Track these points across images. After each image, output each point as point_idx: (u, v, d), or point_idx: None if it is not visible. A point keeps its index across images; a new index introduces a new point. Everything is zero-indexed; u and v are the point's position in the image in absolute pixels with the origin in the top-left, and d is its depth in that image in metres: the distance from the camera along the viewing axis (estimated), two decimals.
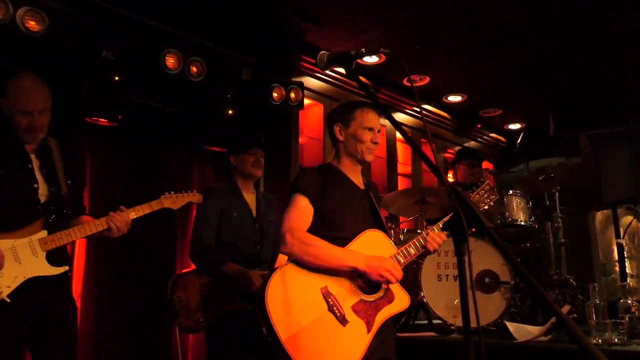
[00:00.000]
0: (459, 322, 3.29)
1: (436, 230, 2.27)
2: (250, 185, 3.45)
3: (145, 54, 3.84)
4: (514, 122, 7.24)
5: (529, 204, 4.08)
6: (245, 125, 4.58)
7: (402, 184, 6.23)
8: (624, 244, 8.15)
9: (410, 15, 4.43)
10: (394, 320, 2.42)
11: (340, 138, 2.37)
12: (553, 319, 2.96)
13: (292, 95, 4.58)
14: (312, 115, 5.42)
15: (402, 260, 2.21)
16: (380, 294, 2.16)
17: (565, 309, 3.51)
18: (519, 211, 3.98)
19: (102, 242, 3.71)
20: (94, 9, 3.74)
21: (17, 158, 2.35)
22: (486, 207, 2.50)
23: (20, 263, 2.17)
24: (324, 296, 2.09)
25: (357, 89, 5.42)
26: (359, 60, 5.32)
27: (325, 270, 2.12)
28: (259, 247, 3.33)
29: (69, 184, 2.43)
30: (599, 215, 7.61)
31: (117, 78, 3.74)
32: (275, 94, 4.48)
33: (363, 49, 1.51)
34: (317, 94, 5.25)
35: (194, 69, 4.00)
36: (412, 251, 2.23)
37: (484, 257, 3.53)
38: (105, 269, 3.89)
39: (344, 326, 2.07)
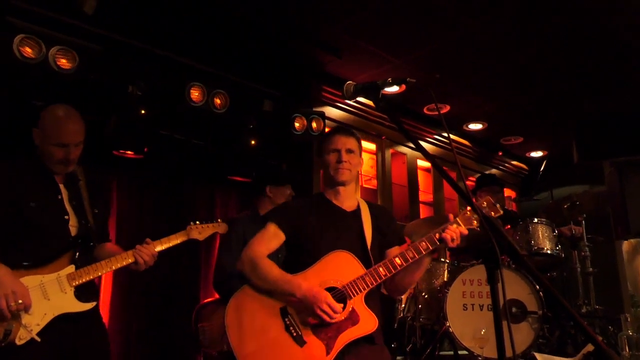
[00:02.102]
0: (486, 352, 3.22)
1: (455, 225, 2.18)
2: None
3: (171, 88, 3.94)
4: (535, 149, 7.18)
5: (554, 232, 4.02)
6: (268, 156, 4.63)
7: (424, 211, 6.20)
8: None
9: (432, 47, 4.48)
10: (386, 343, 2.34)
11: (320, 168, 2.49)
12: (585, 350, 2.87)
13: (314, 125, 4.63)
14: None
15: (410, 255, 2.13)
16: (344, 315, 2.09)
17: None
18: (544, 239, 3.92)
19: (128, 273, 3.74)
20: (121, 45, 3.87)
21: (48, 190, 2.30)
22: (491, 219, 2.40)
23: (49, 300, 2.12)
24: (281, 315, 2.08)
25: (376, 117, 5.46)
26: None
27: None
28: None
29: (95, 213, 2.40)
30: (626, 245, 7.43)
31: (143, 112, 3.82)
32: (297, 124, 4.53)
33: (390, 79, 1.53)
34: (338, 123, 5.29)
35: (218, 101, 4.08)
36: (424, 245, 2.13)
37: (511, 286, 3.47)
38: (131, 300, 3.92)
39: (301, 347, 2.03)
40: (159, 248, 2.37)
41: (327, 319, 2.04)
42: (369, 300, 2.13)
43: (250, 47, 4.46)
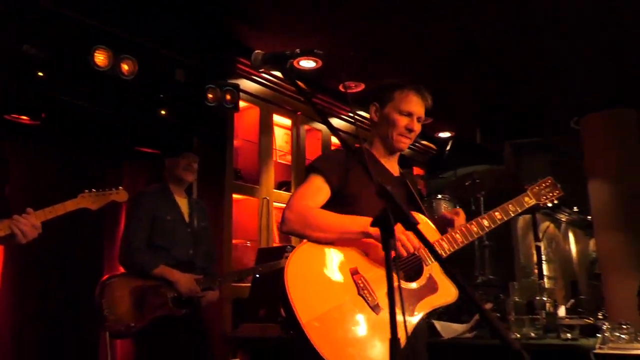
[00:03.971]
0: None
1: (527, 198, 2.15)
2: (182, 190, 3.41)
3: (73, 50, 3.69)
4: (443, 130, 7.52)
5: (456, 207, 4.26)
6: (179, 127, 4.50)
7: None
8: (542, 247, 8.67)
9: (351, 24, 4.52)
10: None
11: (375, 119, 2.16)
12: (476, 317, 3.10)
13: (228, 97, 4.54)
14: (248, 118, 5.40)
15: (447, 247, 1.97)
16: (422, 282, 1.88)
17: (487, 306, 3.68)
18: None
19: (23, 247, 3.52)
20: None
21: None
22: (549, 203, 2.27)
23: None
24: (353, 277, 1.80)
25: (293, 92, 5.45)
26: (296, 65, 5.36)
27: (355, 249, 1.85)
28: (192, 252, 3.29)
29: None
30: (521, 221, 8.05)
31: (40, 74, 3.56)
32: (210, 95, 4.43)
33: (298, 50, 1.54)
34: (253, 97, 5.24)
35: (125, 66, 3.88)
36: (459, 238, 1.98)
37: None
38: (24, 276, 3.70)
39: (377, 314, 1.76)
40: (42, 218, 2.19)
41: (403, 251, 1.81)
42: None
43: (163, 13, 4.27)
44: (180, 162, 3.32)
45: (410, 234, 1.79)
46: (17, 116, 3.60)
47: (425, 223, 2.01)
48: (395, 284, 1.57)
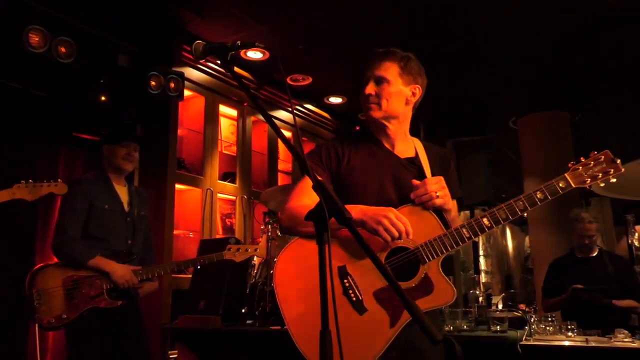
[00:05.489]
0: None
1: (563, 182, 1.82)
2: (122, 178, 3.31)
3: (5, 30, 3.50)
4: None
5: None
6: (121, 114, 4.36)
7: (282, 180, 6.32)
8: (480, 243, 8.99)
9: (296, 16, 4.52)
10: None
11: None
12: None
13: (172, 85, 4.44)
14: (192, 107, 5.31)
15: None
16: (415, 282, 1.74)
17: None
18: None
19: None
20: None
21: None
22: (601, 183, 1.84)
23: None
24: (339, 276, 1.73)
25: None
26: (243, 56, 5.30)
27: (347, 246, 1.75)
28: (130, 242, 3.21)
29: None
30: (461, 216, 8.30)
31: None
32: (153, 82, 4.32)
33: (239, 42, 1.51)
34: (198, 86, 5.15)
35: (63, 49, 3.72)
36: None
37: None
38: None
39: (360, 315, 1.71)
40: None
41: (387, 236, 1.67)
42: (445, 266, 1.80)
43: None
44: (120, 151, 3.21)
45: (396, 215, 1.70)
46: None
47: (427, 217, 1.81)
48: (386, 283, 1.61)
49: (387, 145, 1.97)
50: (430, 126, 6.19)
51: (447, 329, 2.99)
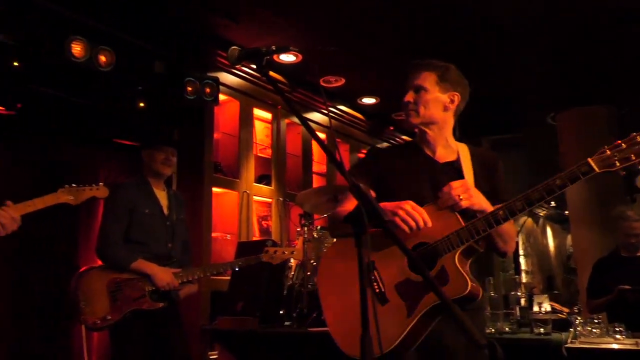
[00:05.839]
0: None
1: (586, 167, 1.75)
2: (161, 182, 3.38)
3: (50, 40, 3.63)
4: None
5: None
6: (158, 120, 4.46)
7: (317, 182, 6.34)
8: (520, 242, 8.80)
9: (327, 17, 4.52)
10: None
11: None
12: None
13: (207, 90, 4.52)
14: (227, 111, 5.37)
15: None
16: (432, 273, 1.80)
17: None
18: None
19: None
20: None
21: None
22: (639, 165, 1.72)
23: None
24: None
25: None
26: (276, 59, 5.34)
27: (377, 242, 1.82)
28: (170, 245, 3.27)
29: None
30: None
31: (16, 64, 3.50)
32: (189, 88, 4.40)
33: (274, 47, 1.53)
34: (233, 90, 5.21)
35: (103, 58, 3.83)
36: (481, 226, 1.80)
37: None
38: (1, 267, 3.64)
39: (382, 305, 1.81)
40: (21, 211, 2.20)
41: (404, 226, 1.75)
42: (466, 259, 1.85)
43: (142, 6, 4.22)
44: (159, 156, 3.28)
45: (412, 206, 1.78)
46: None
47: (448, 215, 1.84)
48: (406, 277, 1.78)
49: (427, 151, 2.05)
50: (465, 124, 6.09)
51: (488, 331, 2.93)
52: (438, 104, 2.02)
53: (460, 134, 6.14)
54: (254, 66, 1.50)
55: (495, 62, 5.32)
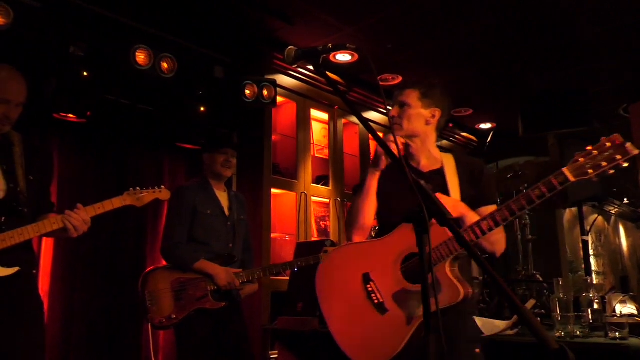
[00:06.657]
0: None
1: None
2: (221, 184, 3.46)
3: (115, 51, 3.80)
4: (484, 122, 7.36)
5: (497, 201, 4.17)
6: (218, 123, 4.57)
7: None
8: (590, 242, 8.38)
9: (384, 16, 4.47)
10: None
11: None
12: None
13: (265, 92, 4.58)
14: (285, 113, 5.43)
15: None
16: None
17: (530, 303, 3.59)
18: None
19: (69, 241, 3.66)
20: (60, 3, 3.68)
21: None
22: (610, 171, 1.71)
23: None
24: (363, 282, 2.01)
25: (329, 87, 5.44)
26: (332, 59, 5.34)
27: (372, 254, 2.02)
28: (231, 245, 3.34)
29: (30, 179, 2.32)
30: (568, 213, 7.78)
31: (85, 74, 3.68)
32: (247, 91, 4.47)
33: (330, 45, 1.52)
34: (290, 92, 5.26)
35: (165, 65, 3.97)
36: (469, 237, 1.89)
37: None
38: (73, 268, 3.84)
39: (382, 315, 1.96)
40: (91, 213, 2.31)
41: None
42: (457, 267, 1.96)
43: (200, 12, 4.33)
44: (219, 158, 3.36)
45: None
46: (64, 115, 3.72)
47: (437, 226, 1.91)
48: (402, 287, 1.90)
49: (412, 163, 2.23)
50: (529, 119, 5.86)
51: (557, 334, 2.79)
52: (420, 119, 2.17)
53: (524, 129, 5.92)
54: (311, 67, 1.51)
55: (567, 54, 5.09)
